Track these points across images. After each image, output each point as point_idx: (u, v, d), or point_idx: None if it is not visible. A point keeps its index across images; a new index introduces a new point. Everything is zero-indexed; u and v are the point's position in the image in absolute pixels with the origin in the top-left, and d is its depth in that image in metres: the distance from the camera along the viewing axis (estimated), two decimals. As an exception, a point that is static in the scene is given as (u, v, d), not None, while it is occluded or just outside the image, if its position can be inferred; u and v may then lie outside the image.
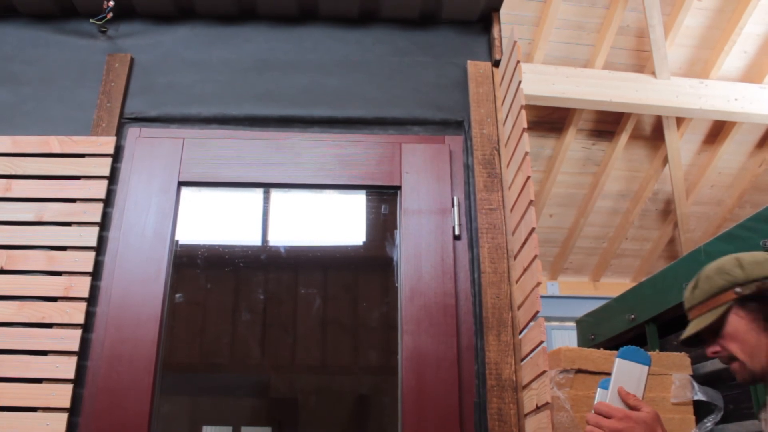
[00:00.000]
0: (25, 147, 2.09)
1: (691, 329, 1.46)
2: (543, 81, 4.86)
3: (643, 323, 2.78)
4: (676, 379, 2.23)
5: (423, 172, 2.11)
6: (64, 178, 2.06)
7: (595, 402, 1.35)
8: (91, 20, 2.27)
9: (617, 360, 1.32)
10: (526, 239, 1.82)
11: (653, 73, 4.98)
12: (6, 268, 1.94)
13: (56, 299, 1.91)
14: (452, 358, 1.88)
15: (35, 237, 1.98)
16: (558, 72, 4.95)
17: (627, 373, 1.31)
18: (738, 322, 1.37)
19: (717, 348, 1.42)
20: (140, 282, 1.95)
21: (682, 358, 2.30)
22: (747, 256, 1.42)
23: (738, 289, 1.37)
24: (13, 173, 2.05)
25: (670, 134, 5.48)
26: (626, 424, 1.25)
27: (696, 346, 1.54)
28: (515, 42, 2.03)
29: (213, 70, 2.27)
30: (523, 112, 1.91)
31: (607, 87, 4.94)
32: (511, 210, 2.03)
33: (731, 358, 1.41)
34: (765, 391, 1.27)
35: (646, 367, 1.20)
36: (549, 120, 5.44)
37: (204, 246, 2.44)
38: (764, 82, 5.14)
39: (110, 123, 2.14)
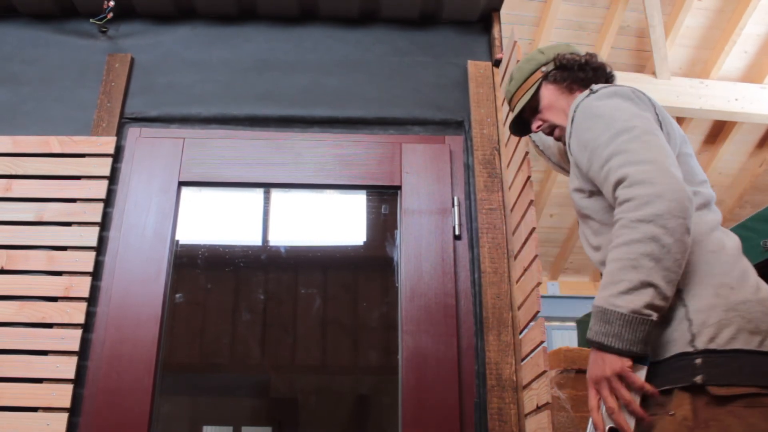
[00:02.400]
0: (26, 147, 2.09)
1: (515, 112, 1.68)
2: (543, 81, 4.85)
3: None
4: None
5: (423, 172, 2.11)
6: (65, 178, 2.06)
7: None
8: (91, 20, 2.27)
9: None
10: (527, 239, 1.82)
11: (653, 73, 4.97)
12: (6, 268, 1.94)
13: (56, 299, 1.91)
14: (452, 358, 1.88)
15: (35, 237, 1.98)
16: (558, 72, 4.93)
17: None
18: (549, 93, 1.60)
19: (539, 122, 1.63)
20: (140, 282, 1.95)
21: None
22: (546, 46, 1.68)
23: (543, 68, 1.63)
24: (14, 173, 2.06)
25: (671, 134, 5.47)
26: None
27: (523, 133, 1.77)
28: (515, 42, 2.03)
29: (213, 70, 2.27)
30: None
31: (608, 87, 4.93)
32: (512, 210, 2.03)
33: (551, 127, 1.61)
34: None
35: (645, 367, 1.20)
36: (549, 120, 5.43)
37: (204, 246, 2.44)
38: (764, 82, 5.14)
39: (110, 123, 2.14)
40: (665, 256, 1.15)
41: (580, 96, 1.44)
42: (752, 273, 1.25)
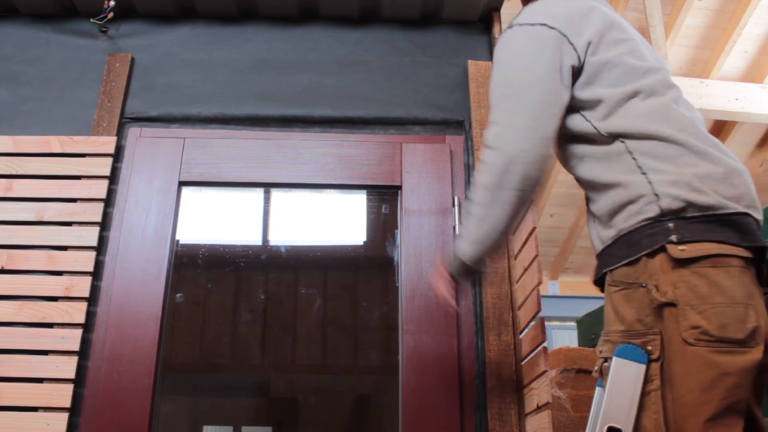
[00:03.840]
0: (26, 147, 2.09)
1: None
2: (543, 81, 4.85)
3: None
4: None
5: (424, 172, 2.11)
6: (65, 177, 2.06)
7: (594, 401, 1.35)
8: (91, 20, 2.27)
9: (614, 359, 1.32)
10: (527, 239, 1.82)
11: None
12: (7, 267, 1.94)
13: (57, 299, 1.91)
14: (453, 358, 1.88)
15: (36, 237, 1.98)
16: (558, 72, 4.93)
17: (624, 371, 1.31)
18: None
19: None
20: (141, 282, 1.95)
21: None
22: None
23: None
24: (14, 173, 2.06)
25: (671, 134, 5.47)
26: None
27: None
28: (516, 42, 2.03)
29: (213, 69, 2.28)
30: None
31: (608, 87, 4.93)
32: (512, 210, 2.03)
33: None
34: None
35: (644, 366, 1.21)
36: (549, 120, 5.43)
37: (204, 246, 2.45)
38: (765, 82, 5.14)
39: (111, 123, 2.14)
40: (481, 223, 1.39)
41: (503, 32, 1.49)
42: (713, 148, 1.31)
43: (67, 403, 1.80)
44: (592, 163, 1.39)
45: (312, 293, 2.47)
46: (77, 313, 1.89)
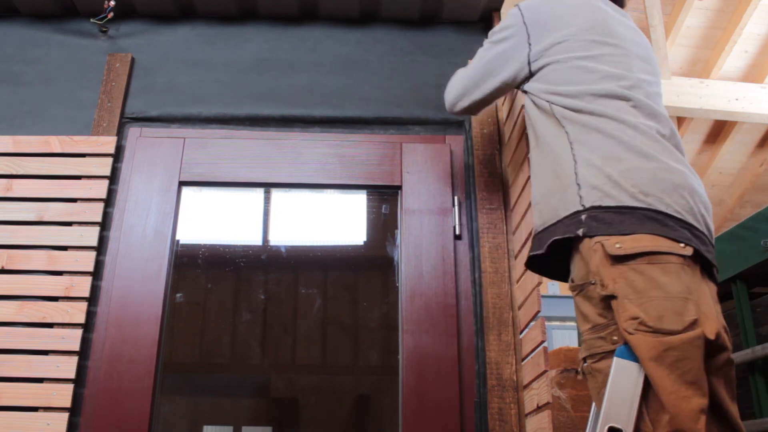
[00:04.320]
0: (26, 147, 2.09)
1: None
2: (544, 81, 4.84)
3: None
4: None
5: (424, 172, 2.11)
6: (65, 177, 2.06)
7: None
8: (91, 20, 2.27)
9: (615, 359, 1.33)
10: (527, 239, 1.82)
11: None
12: (7, 267, 1.94)
13: (57, 299, 1.91)
14: (453, 357, 1.88)
15: (36, 237, 1.98)
16: (558, 72, 4.93)
17: (624, 372, 1.31)
18: None
19: None
20: (141, 282, 1.95)
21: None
22: None
23: None
24: (14, 173, 2.06)
25: (671, 134, 5.47)
26: None
27: None
28: (516, 42, 2.03)
29: (213, 69, 2.27)
30: (524, 112, 1.91)
31: (608, 87, 4.92)
32: (512, 209, 2.03)
33: None
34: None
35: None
36: (549, 120, 5.43)
37: (205, 246, 2.45)
38: (765, 81, 5.13)
39: (111, 123, 2.14)
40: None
41: None
42: (654, 150, 1.39)
43: (67, 403, 1.80)
44: None
45: (312, 293, 2.47)
46: (77, 313, 1.89)
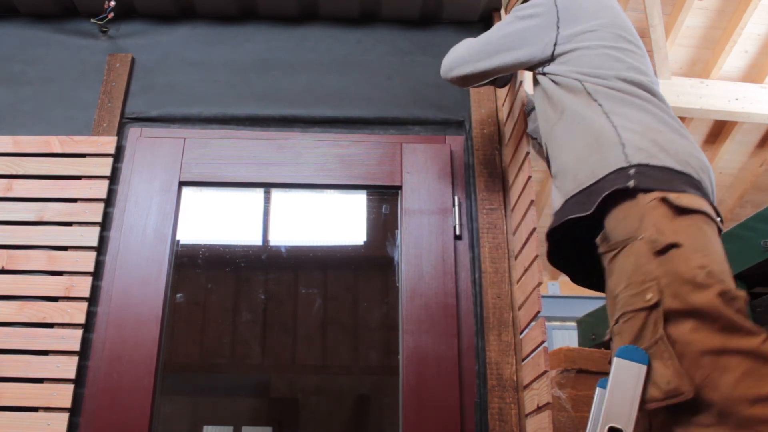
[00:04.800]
0: (26, 147, 2.09)
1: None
2: (544, 81, 4.84)
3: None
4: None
5: (424, 172, 2.11)
6: (65, 177, 2.06)
7: (595, 401, 1.35)
8: (91, 20, 2.27)
9: (615, 359, 1.32)
10: (527, 239, 1.82)
11: (654, 73, 4.97)
12: (7, 267, 1.94)
13: (57, 299, 1.91)
14: (453, 357, 1.88)
15: (36, 237, 1.98)
16: (558, 72, 4.93)
17: (625, 372, 1.31)
18: None
19: None
20: (141, 282, 1.95)
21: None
22: None
23: None
24: (15, 173, 2.06)
25: (671, 134, 5.47)
26: None
27: None
28: (516, 42, 2.03)
29: (214, 70, 2.27)
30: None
31: (608, 87, 4.92)
32: (512, 210, 2.03)
33: None
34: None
35: (644, 366, 1.20)
36: (549, 120, 5.43)
37: (205, 246, 2.45)
38: (765, 82, 5.13)
39: (111, 123, 2.14)
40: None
41: None
42: (685, 132, 1.46)
43: (68, 404, 1.80)
44: None
45: (312, 293, 2.47)
46: (77, 313, 1.89)
